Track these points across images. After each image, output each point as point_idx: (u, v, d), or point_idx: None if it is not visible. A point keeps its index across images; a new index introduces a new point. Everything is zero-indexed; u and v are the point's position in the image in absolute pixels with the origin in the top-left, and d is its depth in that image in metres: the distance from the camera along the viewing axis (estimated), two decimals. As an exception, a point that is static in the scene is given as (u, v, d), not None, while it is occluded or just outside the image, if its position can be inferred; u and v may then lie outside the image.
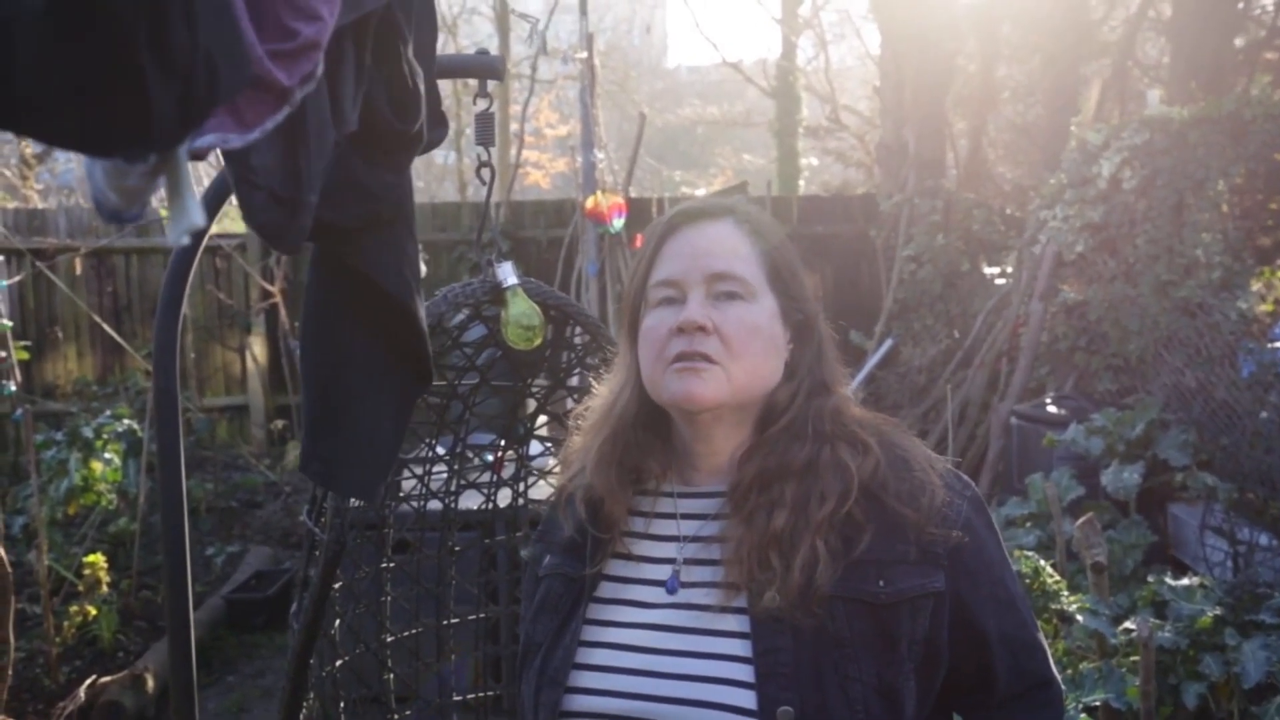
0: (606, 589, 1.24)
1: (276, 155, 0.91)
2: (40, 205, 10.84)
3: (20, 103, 0.61)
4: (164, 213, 0.78)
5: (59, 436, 5.19)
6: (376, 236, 1.16)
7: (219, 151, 0.84)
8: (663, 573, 1.22)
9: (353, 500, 1.70)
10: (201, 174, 9.31)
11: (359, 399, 1.23)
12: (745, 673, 1.11)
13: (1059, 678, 1.26)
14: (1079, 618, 2.86)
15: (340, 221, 1.10)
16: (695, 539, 1.22)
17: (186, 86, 0.68)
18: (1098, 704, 2.64)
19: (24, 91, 0.61)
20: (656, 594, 1.21)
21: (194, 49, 0.67)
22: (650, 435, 1.27)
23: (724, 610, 1.15)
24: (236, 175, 0.92)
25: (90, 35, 0.62)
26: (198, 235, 1.65)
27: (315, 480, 1.26)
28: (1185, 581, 3.21)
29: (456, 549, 2.27)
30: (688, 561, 1.21)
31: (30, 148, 11.72)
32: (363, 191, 1.10)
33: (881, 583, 1.12)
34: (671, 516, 1.25)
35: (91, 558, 4.67)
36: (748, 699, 1.09)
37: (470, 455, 2.25)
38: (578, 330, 1.99)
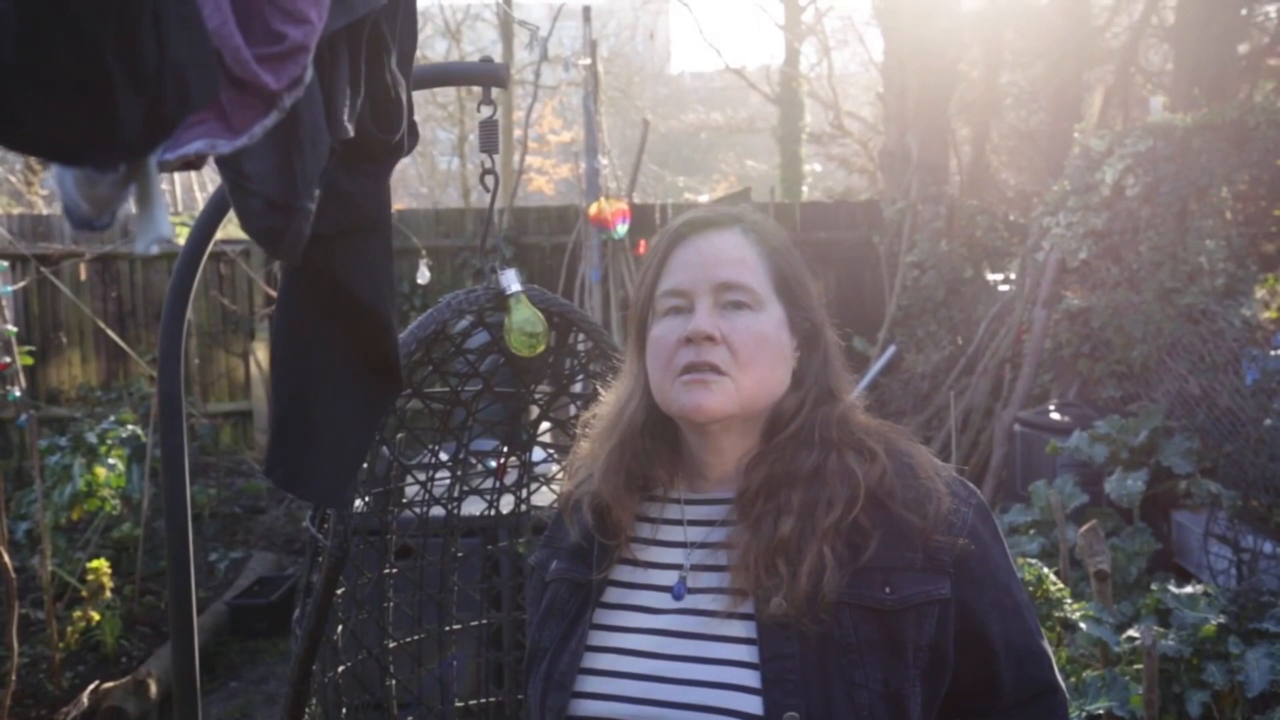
0: (613, 594, 1.24)
1: (271, 161, 0.91)
2: (45, 211, 10.86)
3: None
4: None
5: (63, 442, 5.20)
6: (353, 244, 1.16)
7: (213, 158, 0.84)
8: (670, 578, 1.22)
9: (356, 505, 1.70)
10: (206, 180, 9.34)
11: (326, 405, 1.23)
12: (752, 678, 1.11)
13: (1064, 685, 1.26)
14: (1082, 625, 2.86)
15: (319, 228, 1.10)
16: (702, 545, 1.22)
17: (155, 97, 0.68)
18: (1101, 712, 2.63)
19: None
20: (663, 600, 1.21)
21: (162, 60, 0.68)
22: (658, 443, 1.27)
23: (730, 616, 1.15)
24: (231, 182, 0.92)
25: (58, 45, 0.62)
26: (203, 240, 1.65)
27: (279, 485, 1.27)
28: (1189, 589, 3.20)
29: (459, 555, 2.27)
30: (695, 567, 1.21)
31: (35, 153, 11.73)
32: (343, 199, 1.10)
33: (888, 589, 1.13)
34: (679, 523, 1.26)
35: (95, 563, 4.67)
36: (754, 704, 1.09)
37: (473, 461, 2.25)
38: (581, 337, 1.99)
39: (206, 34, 0.74)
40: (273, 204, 0.93)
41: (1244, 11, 7.12)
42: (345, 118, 0.99)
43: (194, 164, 0.81)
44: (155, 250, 0.79)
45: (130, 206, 0.78)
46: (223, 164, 0.91)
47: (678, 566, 1.22)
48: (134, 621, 4.93)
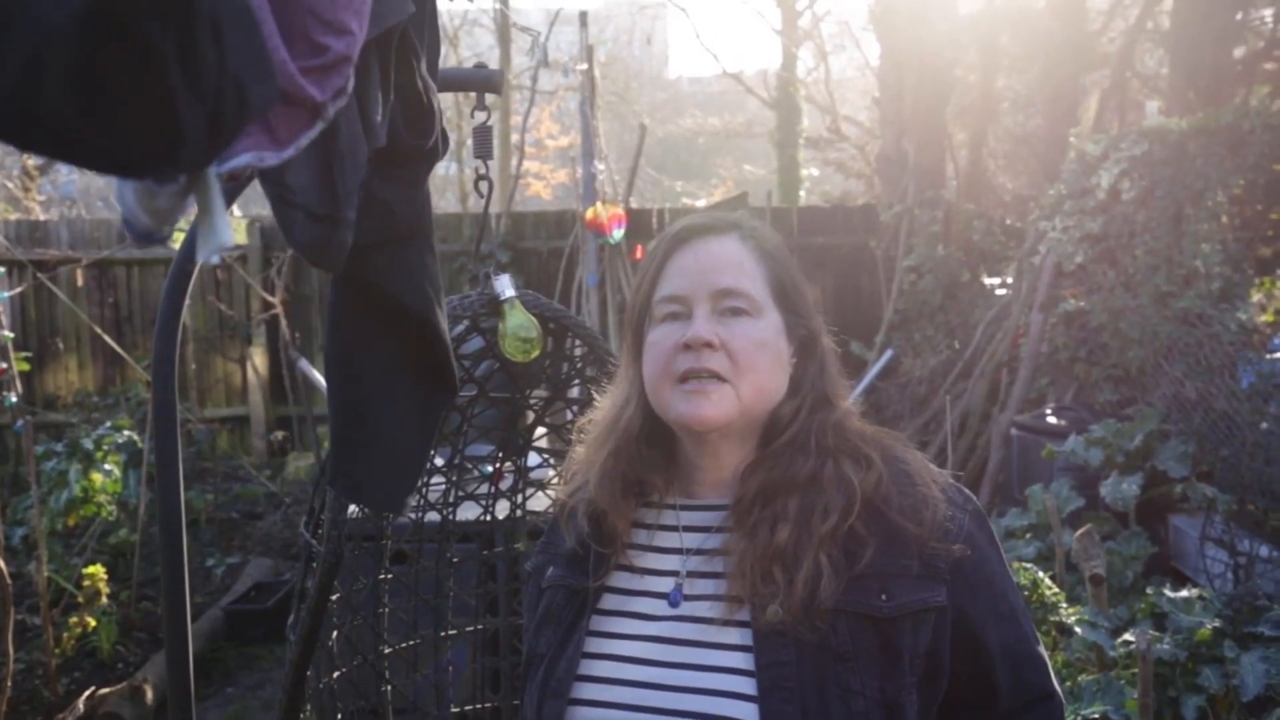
0: (609, 601, 1.24)
1: (312, 173, 0.91)
2: (42, 217, 10.86)
3: (50, 125, 0.62)
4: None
5: (59, 448, 5.19)
6: (395, 251, 1.16)
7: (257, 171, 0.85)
8: (666, 585, 1.22)
9: (350, 510, 1.70)
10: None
11: (384, 413, 1.24)
12: (748, 686, 1.11)
13: (1060, 690, 1.26)
14: (1078, 630, 2.86)
15: (358, 238, 1.10)
16: (698, 552, 1.22)
17: (216, 107, 0.68)
18: (1096, 717, 2.63)
19: (53, 114, 0.61)
20: (659, 606, 1.21)
21: (222, 70, 0.68)
22: (654, 449, 1.27)
23: (726, 623, 1.15)
24: (273, 195, 0.92)
25: (119, 58, 0.62)
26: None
27: (344, 495, 1.27)
28: (1184, 593, 3.20)
29: (455, 560, 2.26)
30: (691, 574, 1.21)
31: (32, 160, 11.74)
32: (380, 207, 1.10)
33: (884, 596, 1.12)
34: (674, 529, 1.25)
35: (91, 569, 4.67)
36: (750, 712, 1.09)
37: (469, 466, 2.25)
38: (576, 342, 1.99)
39: (263, 42, 0.74)
40: (315, 215, 0.93)
41: (1239, 15, 7.13)
42: (378, 125, 0.99)
43: (237, 177, 0.82)
44: (217, 259, 0.79)
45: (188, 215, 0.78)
46: (266, 177, 0.91)
47: (674, 573, 1.22)
48: (130, 627, 4.92)
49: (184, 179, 0.74)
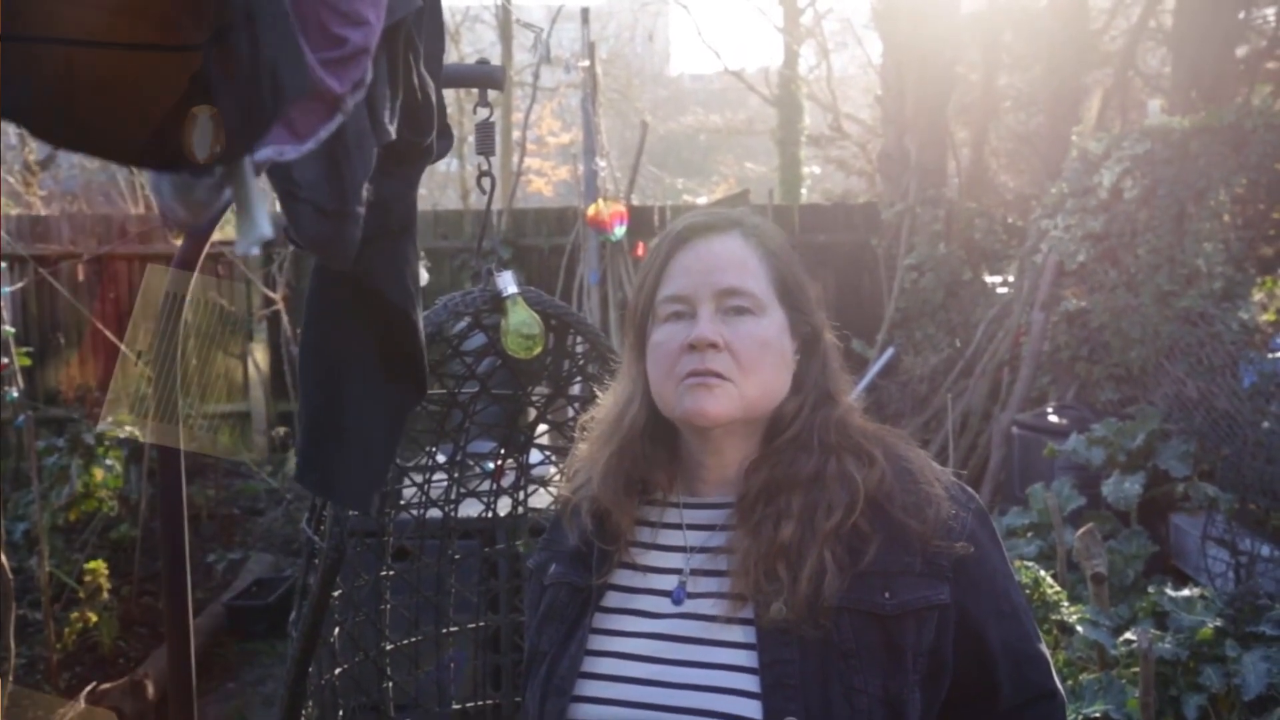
0: (613, 598, 1.24)
1: (319, 168, 0.91)
2: (44, 212, 10.85)
3: (86, 124, 0.61)
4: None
5: (61, 443, 5.19)
6: (383, 247, 1.16)
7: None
8: (669, 583, 1.22)
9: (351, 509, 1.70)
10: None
11: (357, 408, 1.23)
12: (751, 683, 1.11)
13: (1061, 689, 1.26)
14: (1079, 628, 2.86)
15: None
16: (702, 550, 1.22)
17: (251, 96, 0.68)
18: (1098, 715, 2.63)
19: (88, 111, 0.61)
20: (663, 604, 1.21)
21: (256, 58, 0.67)
22: (657, 447, 1.27)
23: (730, 621, 1.15)
24: (280, 190, 0.92)
25: (154, 54, 0.61)
26: (200, 242, 1.66)
27: (313, 490, 1.26)
28: (1186, 592, 3.20)
29: (456, 557, 2.27)
30: (694, 572, 1.21)
31: (34, 154, 11.73)
32: (376, 203, 1.10)
33: (887, 594, 1.12)
34: (678, 527, 1.25)
35: (92, 564, 4.67)
36: (753, 709, 1.09)
37: (470, 463, 2.25)
38: (578, 339, 1.99)
39: (294, 28, 0.74)
40: (323, 211, 0.93)
41: (1242, 15, 7.13)
42: (387, 120, 0.99)
43: (255, 169, 0.81)
44: (255, 251, 0.79)
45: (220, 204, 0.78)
46: (273, 173, 0.90)
47: (677, 571, 1.22)
48: (131, 622, 4.92)
49: (220, 171, 0.74)
